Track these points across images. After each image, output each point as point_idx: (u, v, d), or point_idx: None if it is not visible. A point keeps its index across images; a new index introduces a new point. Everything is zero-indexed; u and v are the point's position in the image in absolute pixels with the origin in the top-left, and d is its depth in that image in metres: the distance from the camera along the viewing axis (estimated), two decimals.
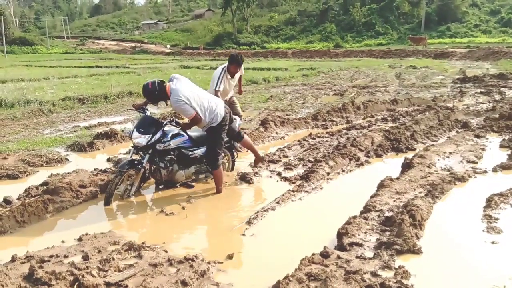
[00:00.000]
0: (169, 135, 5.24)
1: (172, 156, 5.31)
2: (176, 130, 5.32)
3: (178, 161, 5.40)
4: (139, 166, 5.08)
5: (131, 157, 5.20)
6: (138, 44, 66.44)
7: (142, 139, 5.03)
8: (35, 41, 65.15)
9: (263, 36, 62.54)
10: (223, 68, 6.71)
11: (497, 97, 12.53)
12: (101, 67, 28.63)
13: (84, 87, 16.26)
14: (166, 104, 5.29)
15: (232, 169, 6.26)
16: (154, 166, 5.34)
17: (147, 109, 5.42)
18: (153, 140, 5.05)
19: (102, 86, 16.37)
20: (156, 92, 4.98)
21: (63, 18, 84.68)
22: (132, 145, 5.22)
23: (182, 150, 5.39)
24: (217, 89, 6.60)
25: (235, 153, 6.24)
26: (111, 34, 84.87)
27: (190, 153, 5.45)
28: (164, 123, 5.19)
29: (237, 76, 6.95)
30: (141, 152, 5.17)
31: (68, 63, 33.39)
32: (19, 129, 9.28)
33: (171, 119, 5.40)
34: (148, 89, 5.00)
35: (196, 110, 5.01)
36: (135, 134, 5.07)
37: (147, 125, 5.12)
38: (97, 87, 15.95)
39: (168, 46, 63.78)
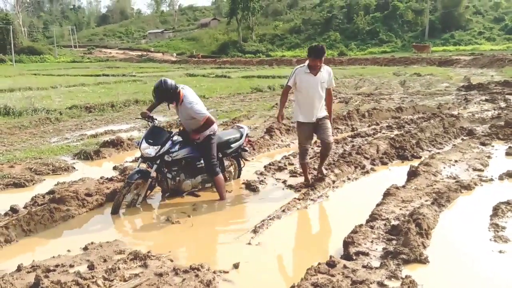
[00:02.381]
0: (177, 146, 5.27)
1: (179, 166, 5.35)
2: (183, 140, 5.35)
3: (185, 171, 5.43)
4: (147, 177, 5.10)
5: (138, 166, 5.23)
6: (145, 53, 66.86)
7: (151, 150, 5.05)
8: (43, 50, 65.64)
9: (268, 45, 62.78)
10: (302, 65, 5.69)
11: (502, 104, 12.48)
12: (108, 75, 28.80)
13: (91, 95, 16.37)
14: (168, 108, 5.31)
15: (239, 177, 6.27)
16: (161, 176, 5.36)
17: (156, 119, 5.43)
18: (162, 151, 5.08)
19: (109, 94, 16.47)
20: (171, 91, 5.04)
21: (71, 28, 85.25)
22: (140, 155, 5.25)
23: (189, 160, 5.42)
24: (288, 83, 5.66)
25: (241, 162, 6.25)
26: (118, 43, 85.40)
27: (197, 162, 5.48)
28: (173, 134, 5.24)
29: (323, 75, 5.58)
30: (149, 162, 5.20)
31: (76, 72, 33.61)
32: (27, 137, 9.35)
33: (180, 130, 5.45)
34: (163, 87, 5.02)
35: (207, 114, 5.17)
36: (144, 145, 5.09)
37: (156, 135, 5.14)
38: (104, 96, 16.05)
39: (174, 54, 64.17)
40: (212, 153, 5.36)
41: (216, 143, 5.45)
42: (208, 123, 5.15)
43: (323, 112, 5.76)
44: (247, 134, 6.18)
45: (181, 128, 5.48)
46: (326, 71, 5.61)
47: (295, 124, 6.01)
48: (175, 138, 5.28)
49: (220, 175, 5.41)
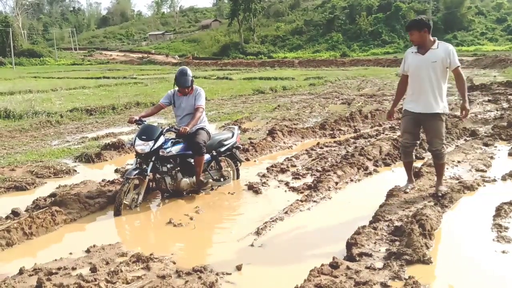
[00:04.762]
0: (169, 142, 5.40)
1: (174, 163, 5.44)
2: (175, 138, 5.52)
3: (182, 170, 5.50)
4: (145, 174, 5.13)
5: (135, 166, 5.24)
6: (145, 55, 67.00)
7: (145, 146, 5.13)
8: (43, 52, 65.91)
9: (269, 46, 62.87)
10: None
11: (505, 105, 12.44)
12: (108, 78, 28.92)
13: (92, 98, 16.42)
14: (177, 103, 5.66)
15: (238, 177, 6.27)
16: (159, 176, 5.38)
17: (145, 121, 5.59)
18: (156, 146, 5.16)
19: (110, 97, 16.51)
20: (190, 77, 5.60)
21: (71, 30, 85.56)
22: (135, 154, 5.30)
23: (184, 157, 5.52)
24: (399, 72, 5.21)
25: (237, 162, 6.28)
26: (119, 45, 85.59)
27: (192, 160, 5.54)
28: (165, 129, 5.37)
29: (436, 54, 4.79)
30: (144, 162, 5.23)
31: (76, 74, 33.71)
32: (27, 140, 9.35)
33: (171, 126, 5.65)
34: (185, 70, 5.65)
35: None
36: (138, 142, 5.17)
37: (149, 132, 5.25)
38: (105, 98, 16.09)
39: (176, 56, 64.30)
40: (200, 137, 5.47)
41: (206, 134, 5.64)
42: (198, 112, 5.53)
43: (436, 106, 4.84)
44: (238, 133, 6.36)
45: (174, 126, 5.61)
46: (442, 48, 4.81)
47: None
48: (167, 136, 5.44)
49: (203, 157, 5.50)
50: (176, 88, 5.70)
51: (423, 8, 57.11)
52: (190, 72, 5.66)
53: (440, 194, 5.03)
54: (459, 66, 4.81)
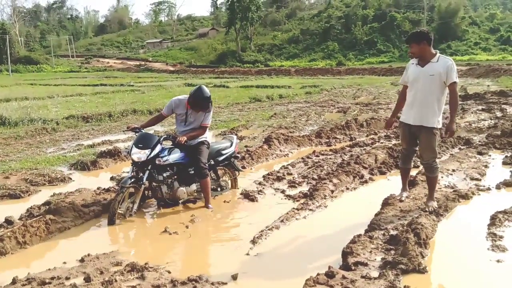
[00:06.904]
0: (166, 151, 5.37)
1: (171, 172, 5.41)
2: (172, 146, 5.48)
3: (179, 179, 5.48)
4: (140, 183, 5.10)
5: (131, 174, 5.22)
6: (143, 63, 67.01)
7: (141, 155, 5.10)
8: (40, 60, 65.68)
9: (266, 54, 63.02)
10: None
11: (499, 114, 12.51)
12: (105, 85, 28.83)
13: (89, 105, 16.37)
14: (184, 114, 5.49)
15: (236, 186, 6.25)
16: (155, 184, 5.36)
17: (142, 130, 5.55)
18: (152, 154, 5.13)
19: (106, 104, 16.47)
20: (210, 100, 5.42)
21: (68, 37, 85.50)
22: (131, 163, 5.28)
23: (181, 166, 5.48)
24: (400, 82, 5.32)
25: (236, 171, 6.26)
26: (116, 53, 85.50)
27: (189, 169, 5.53)
28: (162, 138, 5.34)
29: (435, 67, 4.75)
30: (140, 170, 5.20)
31: (73, 82, 33.61)
32: (22, 148, 9.30)
33: (168, 134, 5.63)
34: (207, 93, 5.37)
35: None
36: (134, 150, 5.15)
37: (146, 140, 5.23)
38: (101, 105, 16.05)
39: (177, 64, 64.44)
40: (203, 157, 5.45)
41: (208, 150, 5.59)
42: (202, 130, 5.54)
43: (429, 120, 4.84)
44: (237, 143, 6.32)
45: (171, 134, 5.58)
46: (442, 62, 4.77)
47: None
48: (164, 143, 5.40)
49: (208, 179, 5.47)
50: (186, 98, 5.53)
51: (418, 18, 57.57)
52: (207, 91, 5.41)
53: (429, 210, 4.90)
54: (455, 83, 4.77)
